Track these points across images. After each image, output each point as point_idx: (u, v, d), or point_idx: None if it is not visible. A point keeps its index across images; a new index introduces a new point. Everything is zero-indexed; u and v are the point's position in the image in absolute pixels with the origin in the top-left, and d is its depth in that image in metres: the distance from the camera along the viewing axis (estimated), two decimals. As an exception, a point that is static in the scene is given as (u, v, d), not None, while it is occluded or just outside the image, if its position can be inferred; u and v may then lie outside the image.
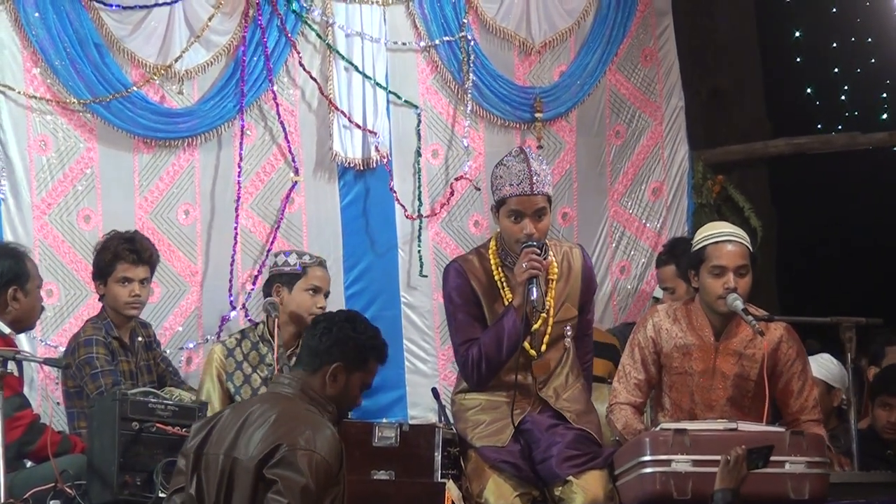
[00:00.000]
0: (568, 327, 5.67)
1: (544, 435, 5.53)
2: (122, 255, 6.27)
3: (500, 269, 5.65)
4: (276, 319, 6.35)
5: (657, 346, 5.78)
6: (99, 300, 6.39)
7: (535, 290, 5.44)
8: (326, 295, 6.52)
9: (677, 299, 6.68)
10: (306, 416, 4.55)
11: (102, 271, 6.30)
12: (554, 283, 5.66)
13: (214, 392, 6.33)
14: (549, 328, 5.63)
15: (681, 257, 6.93)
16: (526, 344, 5.57)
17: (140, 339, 6.37)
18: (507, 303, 5.58)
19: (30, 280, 5.85)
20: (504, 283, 5.63)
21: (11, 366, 5.18)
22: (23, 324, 5.90)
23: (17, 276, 5.81)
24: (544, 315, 5.62)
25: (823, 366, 6.65)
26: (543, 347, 5.63)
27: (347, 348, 4.67)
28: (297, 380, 4.67)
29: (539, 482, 5.49)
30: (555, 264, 5.67)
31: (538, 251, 5.48)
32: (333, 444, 4.48)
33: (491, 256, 5.68)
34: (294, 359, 6.02)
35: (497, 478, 5.45)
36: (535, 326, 5.61)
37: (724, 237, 5.69)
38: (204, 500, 4.53)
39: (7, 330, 5.73)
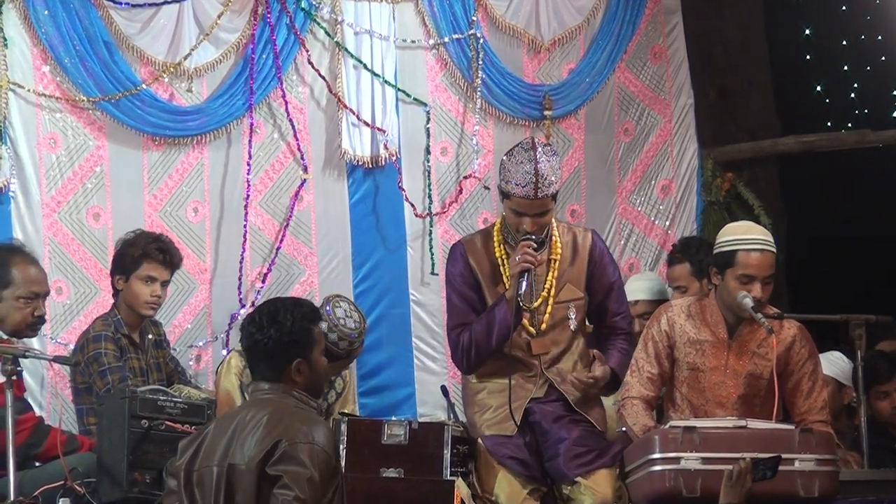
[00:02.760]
0: (572, 308, 5.70)
1: (552, 427, 5.54)
2: (152, 254, 6.25)
3: (502, 245, 5.74)
4: None
5: (671, 340, 5.78)
6: (113, 295, 6.36)
7: (524, 283, 5.52)
8: None
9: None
10: (297, 413, 4.55)
11: (127, 266, 6.24)
12: (556, 263, 5.70)
13: (236, 392, 6.07)
14: (549, 307, 5.66)
15: (695, 255, 6.91)
16: (525, 322, 5.64)
17: (150, 336, 6.36)
18: (506, 279, 5.64)
19: (10, 286, 5.71)
20: (505, 260, 5.71)
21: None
22: (8, 328, 5.73)
23: None
24: (545, 294, 5.66)
25: (834, 363, 6.63)
26: (543, 326, 5.67)
27: (295, 340, 4.62)
28: (275, 384, 4.63)
29: (547, 479, 5.50)
30: (559, 245, 5.73)
31: (535, 245, 5.53)
32: (329, 436, 4.50)
33: (495, 234, 5.77)
34: None
35: (506, 473, 5.46)
36: (536, 304, 5.67)
37: (757, 245, 5.66)
38: None
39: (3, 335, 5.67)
